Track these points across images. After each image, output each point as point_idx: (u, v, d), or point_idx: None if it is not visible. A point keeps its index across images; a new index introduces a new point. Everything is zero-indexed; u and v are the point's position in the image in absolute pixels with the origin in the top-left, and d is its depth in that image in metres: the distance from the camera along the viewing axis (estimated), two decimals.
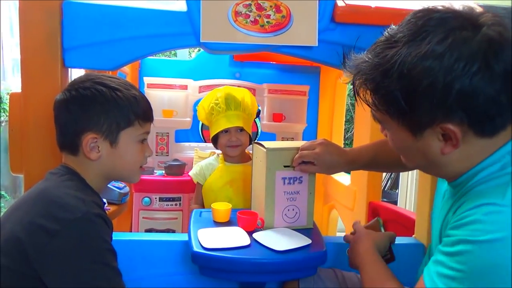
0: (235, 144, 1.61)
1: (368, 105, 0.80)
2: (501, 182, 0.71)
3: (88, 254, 0.81)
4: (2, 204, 3.72)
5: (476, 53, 0.67)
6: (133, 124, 0.98)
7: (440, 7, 0.73)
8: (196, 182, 1.72)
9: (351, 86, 0.85)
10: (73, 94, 0.95)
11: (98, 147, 0.95)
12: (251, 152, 1.37)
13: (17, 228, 0.83)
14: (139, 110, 0.99)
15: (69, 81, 1.25)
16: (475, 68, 0.66)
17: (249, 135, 1.66)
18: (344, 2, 1.27)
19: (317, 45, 1.26)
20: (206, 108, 1.64)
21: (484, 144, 0.73)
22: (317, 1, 1.24)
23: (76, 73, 1.44)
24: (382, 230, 1.11)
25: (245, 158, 1.67)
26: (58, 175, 0.94)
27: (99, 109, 0.94)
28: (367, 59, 0.76)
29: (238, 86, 1.79)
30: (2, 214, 0.95)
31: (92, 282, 0.81)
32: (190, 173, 1.74)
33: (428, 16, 0.72)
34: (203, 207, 1.66)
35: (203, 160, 1.78)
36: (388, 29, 0.77)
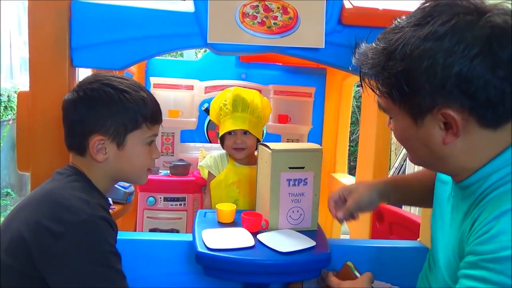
0: (240, 147, 1.60)
1: (372, 90, 0.80)
2: None
3: (92, 257, 0.81)
4: (8, 202, 3.74)
5: (477, 37, 0.66)
6: (140, 126, 0.97)
7: None
8: (207, 173, 1.69)
9: (357, 88, 0.86)
10: (81, 94, 0.94)
11: (105, 149, 0.94)
12: None
13: (23, 228, 0.83)
14: (147, 113, 0.97)
15: (77, 80, 1.26)
16: (475, 51, 0.66)
17: (257, 138, 1.63)
18: (352, 4, 1.27)
19: (324, 47, 1.25)
20: (216, 108, 1.63)
21: (488, 137, 0.72)
22: (324, 3, 1.24)
23: (82, 73, 1.45)
24: (357, 273, 1.02)
25: (253, 161, 1.65)
26: (64, 175, 0.94)
27: (106, 111, 0.93)
28: (374, 45, 0.77)
29: (244, 87, 1.78)
30: (8, 212, 0.95)
31: (96, 284, 0.81)
32: (202, 164, 1.71)
33: (435, 3, 0.73)
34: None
35: (213, 152, 1.77)
36: (397, 19, 0.78)
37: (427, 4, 0.73)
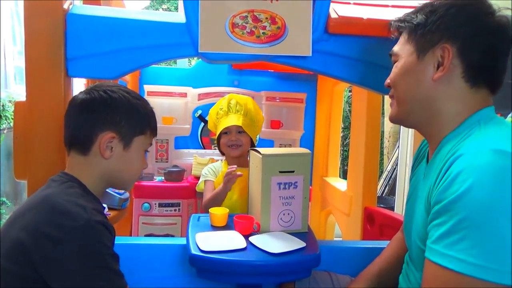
0: (235, 144, 1.73)
1: (398, 28, 0.97)
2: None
3: (91, 260, 0.84)
4: (4, 211, 3.74)
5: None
6: (145, 133, 1.05)
7: None
8: (205, 181, 1.81)
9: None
10: (102, 94, 1.00)
11: (112, 147, 0.99)
12: None
13: (22, 234, 0.85)
14: (152, 123, 1.08)
15: (72, 90, 1.30)
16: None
17: (251, 139, 1.78)
18: (337, 14, 1.32)
19: (311, 55, 1.30)
20: (213, 115, 1.80)
21: (465, 91, 0.86)
22: (311, 13, 1.29)
23: (77, 83, 1.49)
24: None
25: (247, 163, 1.72)
26: (59, 182, 0.97)
27: (123, 110, 1.00)
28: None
29: (237, 93, 1.91)
30: (4, 220, 0.98)
31: (96, 285, 0.84)
32: (202, 176, 1.84)
33: None
34: None
35: (209, 164, 1.91)
36: None
37: None
